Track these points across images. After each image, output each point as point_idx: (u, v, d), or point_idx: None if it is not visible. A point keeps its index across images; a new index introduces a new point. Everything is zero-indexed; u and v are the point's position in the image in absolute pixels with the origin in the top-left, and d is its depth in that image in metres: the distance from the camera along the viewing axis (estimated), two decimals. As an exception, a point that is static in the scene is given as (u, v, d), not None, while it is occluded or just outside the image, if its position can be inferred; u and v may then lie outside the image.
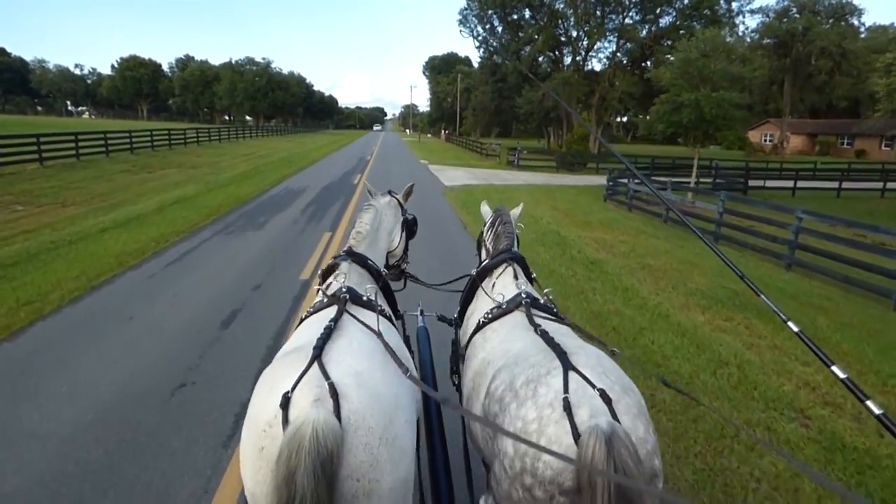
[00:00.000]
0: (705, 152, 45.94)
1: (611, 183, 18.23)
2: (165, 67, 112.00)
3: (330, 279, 2.48)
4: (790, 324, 1.49)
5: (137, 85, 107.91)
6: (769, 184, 24.64)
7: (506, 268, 2.68)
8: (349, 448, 1.49)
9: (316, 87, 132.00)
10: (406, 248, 3.19)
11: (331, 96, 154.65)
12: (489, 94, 50.62)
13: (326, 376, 1.58)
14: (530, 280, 2.74)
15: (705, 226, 12.43)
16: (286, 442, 1.42)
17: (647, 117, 19.83)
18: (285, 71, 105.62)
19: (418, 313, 3.38)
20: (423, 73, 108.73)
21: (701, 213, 12.79)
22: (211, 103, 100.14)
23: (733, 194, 12.53)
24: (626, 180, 17.78)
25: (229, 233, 10.47)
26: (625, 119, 66.36)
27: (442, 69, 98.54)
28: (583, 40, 42.00)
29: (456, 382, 2.68)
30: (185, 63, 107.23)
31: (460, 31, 47.83)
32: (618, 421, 1.49)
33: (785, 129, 51.19)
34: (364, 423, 1.54)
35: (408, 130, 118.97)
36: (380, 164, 29.35)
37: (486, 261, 2.85)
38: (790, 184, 24.02)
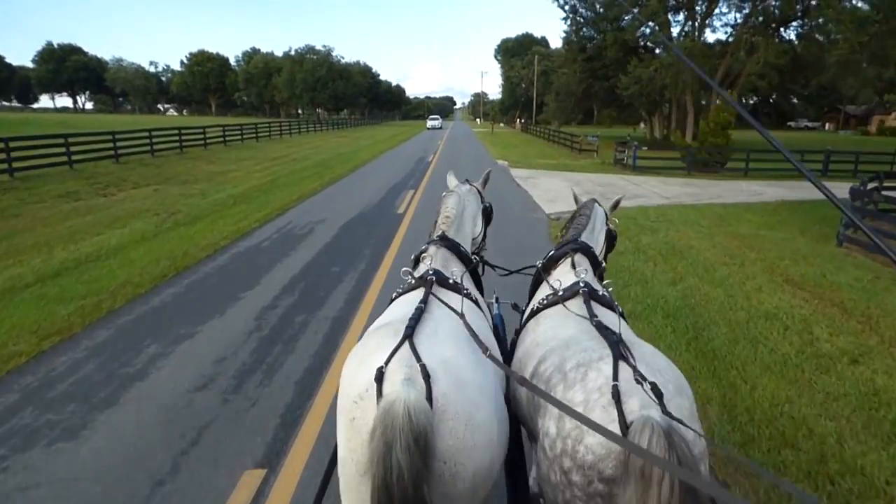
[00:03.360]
0: (831, 140, 35.13)
1: (858, 205, 9.91)
2: (232, 62, 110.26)
3: (420, 264, 2.49)
4: None
5: (206, 80, 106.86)
6: None
7: (568, 257, 2.57)
8: (436, 431, 1.48)
9: (385, 78, 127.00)
10: (484, 236, 3.12)
11: (398, 86, 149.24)
12: (577, 76, 41.90)
13: (418, 357, 1.57)
14: (598, 272, 2.63)
15: None
16: (380, 417, 1.41)
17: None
18: (351, 60, 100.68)
19: (494, 301, 3.16)
20: (495, 57, 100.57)
21: None
22: (273, 97, 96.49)
23: None
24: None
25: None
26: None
27: (516, 52, 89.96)
28: (702, 2, 32.59)
29: None
30: (250, 56, 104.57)
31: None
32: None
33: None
34: (451, 408, 1.53)
35: (478, 120, 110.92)
36: (443, 169, 21.95)
37: (551, 252, 2.71)
38: None
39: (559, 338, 1.92)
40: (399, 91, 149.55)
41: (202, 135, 25.12)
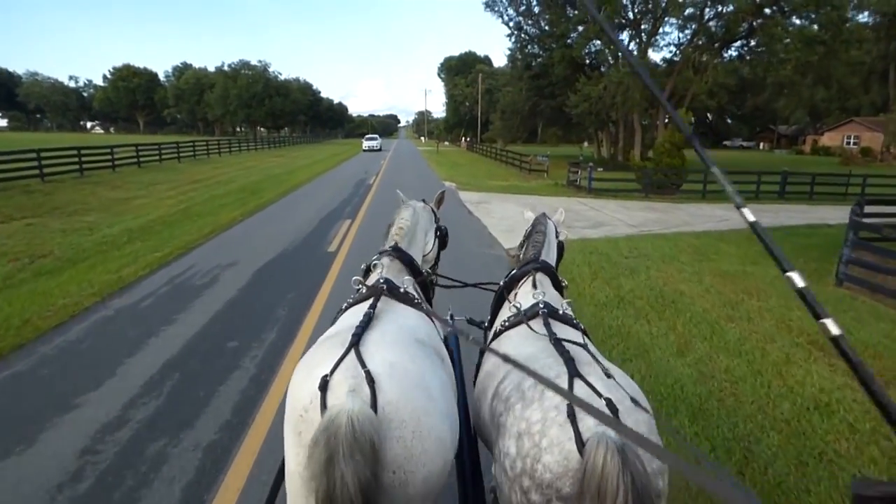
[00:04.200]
0: (768, 160, 36.08)
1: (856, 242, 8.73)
2: (162, 77, 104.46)
3: (372, 274, 2.43)
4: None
5: (132, 96, 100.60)
6: None
7: (529, 277, 2.56)
8: (383, 440, 1.42)
9: (328, 95, 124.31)
10: (437, 258, 3.10)
11: (340, 103, 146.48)
12: (523, 94, 41.20)
13: (363, 365, 1.52)
14: (560, 289, 2.63)
15: None
16: (322, 430, 1.35)
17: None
18: (292, 77, 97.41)
19: (448, 317, 3.22)
20: (439, 75, 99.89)
21: None
22: (206, 114, 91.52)
23: None
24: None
25: None
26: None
27: (459, 70, 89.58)
28: (648, 21, 32.49)
29: None
30: (181, 71, 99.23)
31: (488, 13, 38.84)
32: None
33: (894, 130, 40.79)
34: (397, 416, 1.47)
35: (423, 138, 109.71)
36: (386, 191, 19.97)
37: (513, 271, 2.74)
38: None
39: (519, 357, 1.87)
40: (342, 109, 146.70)
41: (109, 155, 22.02)
